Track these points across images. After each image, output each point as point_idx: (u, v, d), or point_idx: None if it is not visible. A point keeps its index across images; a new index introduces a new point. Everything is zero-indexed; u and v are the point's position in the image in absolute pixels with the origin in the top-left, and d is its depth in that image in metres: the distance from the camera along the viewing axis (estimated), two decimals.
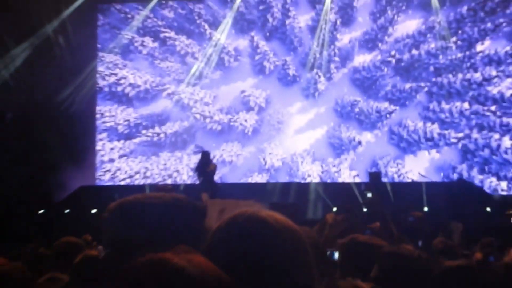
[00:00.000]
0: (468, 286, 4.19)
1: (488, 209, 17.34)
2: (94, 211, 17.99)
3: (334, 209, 17.37)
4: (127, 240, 2.63)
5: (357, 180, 19.86)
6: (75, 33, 21.81)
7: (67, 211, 19.04)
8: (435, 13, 21.03)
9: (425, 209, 17.47)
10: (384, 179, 19.32)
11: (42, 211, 19.30)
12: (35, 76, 20.91)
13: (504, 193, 19.53)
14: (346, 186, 19.06)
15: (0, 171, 19.09)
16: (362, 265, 4.14)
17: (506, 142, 20.32)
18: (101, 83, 23.13)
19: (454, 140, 20.53)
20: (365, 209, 15.97)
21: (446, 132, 20.68)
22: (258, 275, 2.06)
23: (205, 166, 16.83)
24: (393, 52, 21.40)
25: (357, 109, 21.49)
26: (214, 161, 17.94)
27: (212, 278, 1.80)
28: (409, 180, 20.27)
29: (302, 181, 20.68)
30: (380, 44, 21.57)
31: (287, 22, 22.21)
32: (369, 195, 17.13)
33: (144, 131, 22.80)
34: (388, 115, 21.28)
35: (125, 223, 2.72)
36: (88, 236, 9.06)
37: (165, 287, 1.74)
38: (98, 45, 23.22)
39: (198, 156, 17.81)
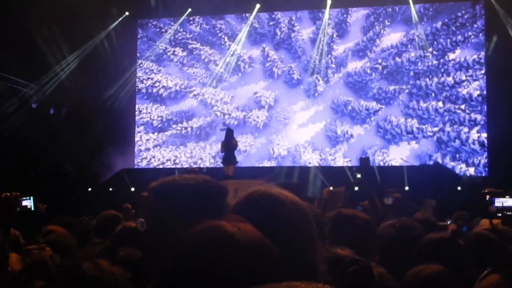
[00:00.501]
0: (446, 253, 4.15)
1: (459, 188, 17.46)
2: (132, 189, 18.05)
3: (331, 188, 17.52)
4: (166, 213, 2.69)
5: (349, 164, 19.85)
6: (119, 43, 22.10)
7: (110, 189, 19.18)
8: (414, 27, 21.14)
9: (406, 188, 17.55)
10: (372, 164, 19.40)
11: (90, 189, 19.43)
12: (86, 78, 21.14)
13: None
14: (340, 169, 19.08)
15: (57, 156, 19.26)
16: (346, 235, 4.11)
17: (473, 134, 20.51)
18: (140, 85, 23.33)
19: (430, 134, 20.67)
20: (356, 188, 16.05)
21: (423, 126, 20.84)
22: (272, 242, 1.97)
23: (229, 140, 17.58)
24: (379, 60, 21.53)
25: (349, 107, 21.60)
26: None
27: (256, 243, 1.81)
28: (393, 165, 20.34)
29: (304, 166, 20.75)
30: (369, 53, 21.65)
31: (292, 35, 22.38)
32: (359, 176, 17.23)
33: (174, 125, 22.99)
34: (375, 112, 21.45)
35: (165, 199, 2.76)
36: (129, 205, 9.19)
37: (217, 249, 1.75)
38: (138, 54, 23.38)
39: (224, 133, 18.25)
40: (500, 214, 5.28)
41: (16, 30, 18.73)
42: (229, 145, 17.76)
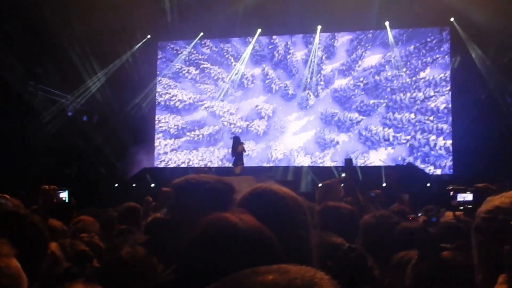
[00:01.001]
0: (419, 239, 3.83)
1: (428, 184, 17.41)
2: (153, 185, 17.99)
3: (320, 185, 17.48)
4: (188, 204, 2.82)
5: (336, 165, 19.79)
6: (141, 61, 22.15)
7: (134, 185, 19.14)
8: (391, 50, 21.12)
9: (384, 184, 17.48)
10: (355, 164, 19.35)
11: (116, 184, 19.42)
12: (113, 90, 21.29)
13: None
14: (328, 169, 18.99)
15: (89, 156, 19.25)
16: (333, 224, 4.09)
17: (440, 141, 20.48)
18: (159, 99, 23.25)
19: (404, 141, 20.64)
20: (341, 185, 15.96)
21: (398, 135, 20.81)
22: (272, 229, 2.03)
23: (235, 147, 17.81)
24: (361, 78, 21.51)
25: (336, 118, 21.54)
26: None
27: (256, 232, 1.87)
28: (373, 165, 20.31)
29: (297, 166, 20.72)
30: (352, 72, 21.62)
31: (288, 57, 22.37)
32: (343, 175, 17.14)
33: (188, 133, 22.90)
34: (357, 122, 21.38)
35: (187, 193, 2.91)
36: (149, 198, 9.14)
37: (223, 237, 1.83)
38: (158, 72, 23.35)
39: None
40: (462, 207, 5.27)
41: (56, 50, 18.87)
42: (235, 151, 17.92)
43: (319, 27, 21.57)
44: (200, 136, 22.82)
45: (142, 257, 3.46)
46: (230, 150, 18.70)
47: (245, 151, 18.18)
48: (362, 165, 20.37)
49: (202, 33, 22.34)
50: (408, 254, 3.40)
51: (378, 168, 18.87)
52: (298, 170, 19.43)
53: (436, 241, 3.29)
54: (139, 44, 22.15)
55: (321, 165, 21.05)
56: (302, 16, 20.82)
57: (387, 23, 20.89)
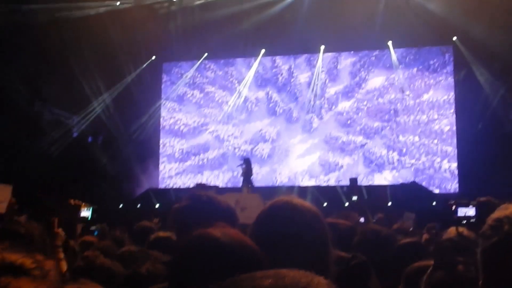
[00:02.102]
0: (416, 255, 4.11)
1: (434, 203, 17.27)
2: (157, 205, 18.05)
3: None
4: (190, 224, 2.68)
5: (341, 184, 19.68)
6: (146, 82, 22.30)
7: (139, 205, 19.05)
8: (394, 72, 21.15)
9: (389, 203, 17.38)
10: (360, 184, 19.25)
11: (121, 205, 19.32)
12: (118, 111, 21.41)
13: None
14: (332, 188, 19.00)
15: (94, 176, 19.23)
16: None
17: (445, 164, 20.33)
18: (164, 123, 23.30)
19: (409, 165, 20.53)
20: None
21: (403, 158, 20.70)
22: (292, 242, 2.16)
23: (243, 170, 18.12)
24: (365, 102, 21.51)
25: (340, 141, 21.51)
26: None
27: (238, 244, 1.93)
28: (377, 184, 20.18)
29: (302, 186, 20.61)
30: (356, 95, 21.63)
31: (291, 80, 22.42)
32: (354, 198, 17.16)
33: (192, 157, 22.87)
34: (362, 146, 21.27)
35: (190, 212, 3.00)
36: (156, 219, 9.21)
37: (206, 251, 1.90)
38: (162, 95, 23.41)
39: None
40: (465, 221, 5.24)
41: (62, 71, 18.97)
42: (243, 173, 18.16)
43: (322, 47, 21.65)
44: (205, 160, 22.79)
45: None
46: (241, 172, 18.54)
47: (251, 174, 18.27)
48: (367, 184, 20.14)
49: (206, 54, 22.44)
50: (423, 264, 3.43)
51: (383, 187, 18.69)
52: (303, 190, 19.28)
53: (452, 254, 3.38)
54: (144, 65, 22.28)
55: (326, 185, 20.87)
56: (305, 36, 21.00)
57: (390, 43, 20.98)
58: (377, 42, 20.81)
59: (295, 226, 2.29)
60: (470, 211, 5.33)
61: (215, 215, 2.85)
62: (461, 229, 4.94)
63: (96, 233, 7.34)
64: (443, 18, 18.14)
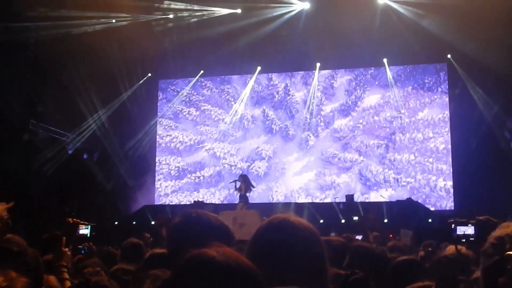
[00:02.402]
0: (412, 273, 4.27)
1: (430, 220, 17.22)
2: (153, 222, 17.85)
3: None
4: (184, 241, 2.82)
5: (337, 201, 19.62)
6: (142, 99, 22.40)
7: (134, 222, 18.99)
8: (390, 90, 21.15)
9: (385, 220, 17.32)
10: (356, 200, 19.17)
11: (116, 222, 19.31)
12: (114, 128, 21.39)
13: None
14: (329, 205, 18.96)
15: (89, 192, 19.19)
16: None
17: (440, 182, 20.32)
18: (160, 140, 23.25)
19: (404, 183, 20.50)
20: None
21: (398, 176, 20.67)
22: (290, 259, 2.17)
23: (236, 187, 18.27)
24: (361, 120, 21.49)
25: (336, 159, 21.46)
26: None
27: (234, 263, 1.91)
28: (373, 201, 20.12)
29: (298, 202, 20.59)
30: (352, 113, 21.61)
31: (288, 98, 22.42)
32: (355, 218, 17.09)
33: (189, 175, 22.81)
34: (358, 163, 21.24)
35: (183, 229, 3.00)
36: (147, 234, 9.12)
37: (202, 271, 1.88)
38: (158, 113, 23.40)
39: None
40: (464, 240, 5.26)
41: (57, 89, 18.91)
42: (239, 189, 18.26)
43: (318, 64, 21.66)
44: (201, 177, 22.73)
45: None
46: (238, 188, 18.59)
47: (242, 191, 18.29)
48: (363, 201, 20.09)
49: (202, 71, 22.43)
50: (422, 285, 3.57)
51: (379, 204, 18.64)
52: (300, 206, 19.20)
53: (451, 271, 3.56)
54: (140, 82, 22.24)
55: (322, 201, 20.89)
56: (301, 54, 21.07)
57: (385, 60, 20.95)
58: (373, 59, 20.83)
59: (292, 243, 2.29)
60: (469, 230, 5.28)
61: (206, 233, 2.90)
62: (460, 247, 5.11)
63: (83, 251, 7.22)
64: (437, 35, 18.12)
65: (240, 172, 21.17)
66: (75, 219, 5.18)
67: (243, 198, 18.05)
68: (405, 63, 21.26)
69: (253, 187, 18.64)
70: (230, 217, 12.00)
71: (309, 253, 2.34)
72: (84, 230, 5.73)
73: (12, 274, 2.19)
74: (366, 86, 21.66)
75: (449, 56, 20.12)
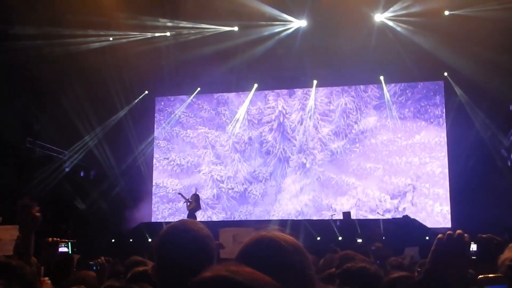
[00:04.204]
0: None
1: (427, 237, 16.74)
2: (150, 240, 17.41)
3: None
4: (170, 256, 2.76)
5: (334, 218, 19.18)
6: (139, 117, 22.28)
7: (131, 240, 18.65)
8: (387, 112, 20.88)
9: (383, 238, 16.89)
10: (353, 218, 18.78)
11: (113, 240, 18.99)
12: (110, 146, 21.17)
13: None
14: (326, 222, 18.57)
15: (85, 212, 18.98)
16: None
17: (437, 207, 20.01)
18: (156, 164, 22.99)
19: (401, 209, 20.12)
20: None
21: (395, 201, 20.39)
22: (274, 278, 1.90)
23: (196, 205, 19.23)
24: (357, 144, 21.21)
25: (333, 182, 21.16)
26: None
27: (254, 279, 1.72)
28: (370, 218, 19.72)
29: (295, 219, 20.21)
30: (349, 135, 21.34)
31: (284, 120, 22.20)
32: (359, 240, 16.73)
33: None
34: (355, 187, 20.95)
35: (169, 244, 2.83)
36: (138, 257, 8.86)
37: None
38: (155, 131, 23.18)
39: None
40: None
41: (54, 107, 18.76)
42: (190, 208, 19.00)
43: (315, 82, 21.46)
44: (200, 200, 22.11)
45: None
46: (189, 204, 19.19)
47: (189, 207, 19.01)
48: (360, 218, 19.68)
49: (199, 88, 22.27)
50: None
51: (376, 221, 18.17)
52: (297, 224, 18.80)
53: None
54: (136, 100, 22.14)
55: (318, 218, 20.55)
56: (298, 71, 20.97)
57: (382, 78, 20.80)
58: (369, 77, 20.77)
59: (276, 261, 2.17)
60: (472, 248, 4.89)
61: (191, 243, 2.78)
62: None
63: (94, 268, 6.93)
64: (434, 53, 18.04)
65: (238, 195, 20.94)
66: (54, 238, 5.10)
67: (191, 216, 18.39)
68: (402, 80, 21.08)
69: (200, 208, 19.35)
70: (230, 235, 11.83)
71: (293, 270, 2.20)
72: (64, 248, 5.50)
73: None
74: (363, 108, 21.44)
75: (445, 74, 19.96)
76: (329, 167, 21.41)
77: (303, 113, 22.05)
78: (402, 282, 4.25)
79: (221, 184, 22.33)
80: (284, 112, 22.28)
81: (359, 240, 16.22)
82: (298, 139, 21.91)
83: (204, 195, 22.13)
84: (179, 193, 19.90)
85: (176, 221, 2.59)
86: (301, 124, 21.99)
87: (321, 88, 21.93)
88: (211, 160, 22.59)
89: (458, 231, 2.51)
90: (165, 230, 2.85)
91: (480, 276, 2.65)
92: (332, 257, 7.65)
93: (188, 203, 18.98)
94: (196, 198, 19.08)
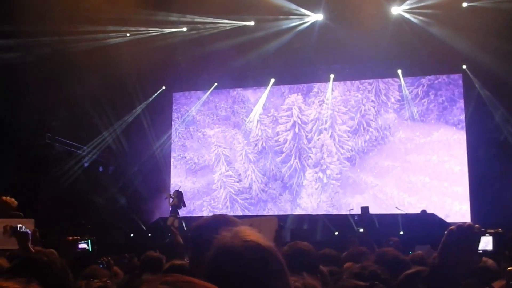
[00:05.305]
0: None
1: (446, 232, 16.24)
2: (169, 234, 17.40)
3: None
4: (204, 249, 2.51)
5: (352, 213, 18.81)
6: (157, 113, 22.13)
7: (149, 234, 18.82)
8: (406, 107, 20.47)
9: (401, 232, 16.57)
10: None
11: (132, 234, 19.11)
12: (128, 141, 21.25)
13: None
14: (344, 217, 18.36)
15: (104, 206, 18.86)
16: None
17: (456, 206, 19.55)
18: (175, 163, 22.78)
19: (419, 208, 19.59)
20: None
21: (413, 199, 20.00)
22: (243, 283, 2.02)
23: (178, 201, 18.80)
24: (374, 142, 20.89)
25: (351, 180, 20.91)
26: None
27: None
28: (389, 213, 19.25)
29: (313, 214, 19.99)
30: (367, 133, 21.04)
31: (302, 117, 21.78)
32: (361, 230, 16.62)
33: (204, 196, 22.31)
34: (373, 186, 20.62)
35: (203, 237, 2.69)
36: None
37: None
38: (173, 127, 23.03)
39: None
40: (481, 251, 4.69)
41: (73, 103, 18.81)
42: (172, 204, 18.61)
43: (331, 76, 21.20)
44: (215, 198, 22.24)
45: None
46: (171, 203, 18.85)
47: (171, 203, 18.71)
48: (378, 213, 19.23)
49: (216, 83, 22.12)
50: None
51: (394, 216, 17.73)
52: (314, 218, 18.44)
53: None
54: (154, 95, 22.04)
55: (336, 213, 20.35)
56: (314, 66, 20.79)
57: (399, 71, 20.48)
58: (386, 71, 20.53)
59: (242, 267, 2.07)
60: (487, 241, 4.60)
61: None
62: (485, 259, 4.69)
63: (101, 265, 6.75)
64: (452, 45, 17.74)
65: (256, 194, 20.64)
66: (74, 237, 5.22)
67: (174, 212, 18.32)
68: (420, 74, 20.69)
69: (185, 205, 18.89)
70: (247, 224, 11.46)
71: (261, 271, 2.08)
72: (84, 245, 5.37)
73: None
74: (380, 104, 21.09)
75: (464, 67, 19.60)
76: (347, 165, 21.10)
77: (320, 110, 21.67)
78: (419, 276, 3.99)
79: (239, 182, 22.08)
80: (301, 110, 21.89)
81: (361, 230, 16.47)
82: (315, 137, 21.54)
83: (222, 193, 22.09)
84: (159, 188, 19.94)
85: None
86: (319, 121, 21.61)
87: (338, 85, 21.59)
88: (229, 158, 22.32)
89: (468, 222, 2.52)
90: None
91: (509, 268, 2.61)
92: (358, 250, 7.58)
93: (171, 199, 18.61)
94: (178, 195, 18.73)
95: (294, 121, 21.94)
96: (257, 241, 2.15)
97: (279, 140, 21.97)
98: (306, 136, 21.78)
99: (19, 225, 4.85)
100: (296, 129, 21.89)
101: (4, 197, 5.48)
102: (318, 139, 21.45)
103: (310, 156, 21.53)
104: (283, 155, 21.85)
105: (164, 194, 19.31)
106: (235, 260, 2.08)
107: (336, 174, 21.08)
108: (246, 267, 2.06)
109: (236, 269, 2.05)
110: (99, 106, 19.53)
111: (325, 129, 21.42)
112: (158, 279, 1.61)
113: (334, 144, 21.33)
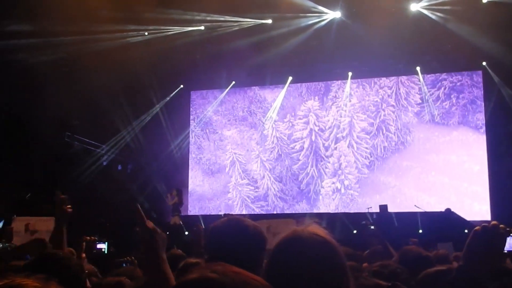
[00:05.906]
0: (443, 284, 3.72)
1: (466, 231, 15.96)
2: (186, 233, 17.37)
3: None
4: (221, 247, 2.91)
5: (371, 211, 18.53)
6: (175, 111, 22.16)
7: (167, 232, 18.20)
8: (424, 105, 20.27)
9: (420, 231, 16.24)
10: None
11: None
12: (147, 140, 21.28)
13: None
14: (362, 215, 17.93)
15: (123, 203, 18.79)
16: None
17: (476, 206, 19.26)
18: (192, 163, 22.70)
19: (438, 208, 19.28)
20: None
21: (432, 199, 19.71)
22: (306, 278, 2.03)
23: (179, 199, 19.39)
24: (393, 143, 20.65)
25: (369, 181, 20.74)
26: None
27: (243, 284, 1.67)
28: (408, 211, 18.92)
29: (331, 213, 19.84)
30: (384, 133, 20.81)
31: (319, 119, 21.61)
32: (372, 227, 16.07)
33: (222, 196, 22.19)
34: (392, 186, 20.42)
35: (221, 235, 3.03)
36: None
37: None
38: (191, 125, 22.93)
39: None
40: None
41: (92, 102, 18.80)
42: (173, 203, 19.06)
43: (350, 74, 21.07)
44: (232, 199, 22.11)
45: None
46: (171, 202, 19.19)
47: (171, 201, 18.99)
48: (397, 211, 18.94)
49: (234, 82, 22.08)
50: None
51: (413, 214, 17.38)
52: (332, 217, 18.17)
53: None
54: (172, 94, 22.07)
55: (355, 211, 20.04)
56: (332, 63, 20.63)
57: (418, 68, 20.26)
58: (405, 68, 20.35)
59: (307, 261, 2.12)
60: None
61: (243, 238, 2.93)
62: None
63: (124, 264, 7.03)
64: (471, 42, 17.48)
65: (275, 194, 20.75)
66: (92, 237, 5.47)
67: (177, 211, 18.71)
68: (439, 71, 20.41)
69: (182, 203, 19.34)
70: (263, 226, 11.21)
71: (325, 268, 2.14)
72: (102, 245, 5.35)
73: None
74: (398, 106, 20.78)
75: (484, 63, 19.28)
76: (365, 166, 20.91)
77: (336, 111, 21.44)
78: (438, 276, 3.97)
79: (257, 183, 21.91)
80: (318, 111, 21.67)
81: (372, 227, 15.86)
82: (333, 137, 21.27)
83: (238, 194, 21.97)
84: (156, 186, 20.24)
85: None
86: (336, 122, 21.39)
87: (356, 90, 21.40)
88: (246, 159, 22.16)
89: (493, 222, 2.47)
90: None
91: None
92: (378, 250, 7.81)
93: (172, 198, 18.86)
94: (178, 193, 19.01)
95: (311, 129, 21.73)
96: (324, 236, 2.23)
97: (295, 147, 21.77)
98: (323, 144, 21.54)
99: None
100: (313, 137, 21.67)
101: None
102: (336, 148, 21.24)
103: (327, 166, 21.30)
104: (300, 162, 21.65)
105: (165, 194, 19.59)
106: (303, 248, 2.15)
107: (355, 184, 20.91)
108: (314, 258, 2.11)
109: (301, 258, 2.11)
110: (118, 104, 19.59)
111: (343, 137, 21.23)
112: (208, 267, 1.62)
113: (353, 152, 21.11)
